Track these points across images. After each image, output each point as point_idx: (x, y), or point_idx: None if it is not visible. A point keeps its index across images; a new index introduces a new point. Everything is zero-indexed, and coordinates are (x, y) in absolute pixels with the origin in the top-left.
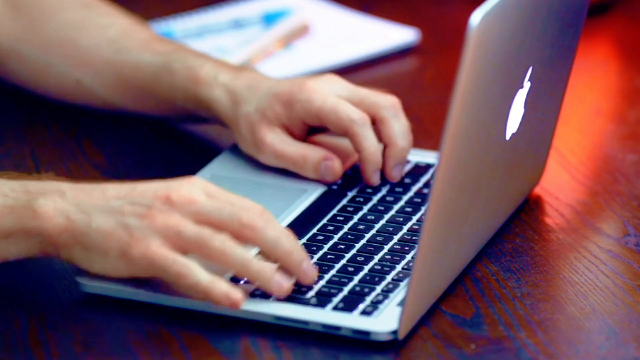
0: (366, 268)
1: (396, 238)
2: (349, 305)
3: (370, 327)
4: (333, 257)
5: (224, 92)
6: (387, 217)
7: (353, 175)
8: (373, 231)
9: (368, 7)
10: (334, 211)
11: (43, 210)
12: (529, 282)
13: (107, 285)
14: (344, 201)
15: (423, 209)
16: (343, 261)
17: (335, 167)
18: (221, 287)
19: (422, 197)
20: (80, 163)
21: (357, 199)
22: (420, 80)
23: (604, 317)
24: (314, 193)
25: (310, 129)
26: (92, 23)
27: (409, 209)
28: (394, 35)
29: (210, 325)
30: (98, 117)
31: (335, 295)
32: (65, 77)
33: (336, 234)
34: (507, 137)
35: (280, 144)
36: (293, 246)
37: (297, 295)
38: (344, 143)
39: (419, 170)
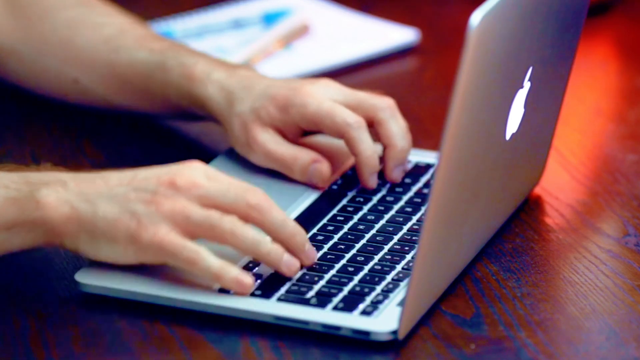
0: (366, 268)
1: (396, 238)
2: (349, 305)
3: (370, 327)
4: (333, 257)
5: (218, 89)
6: (387, 217)
7: (353, 176)
8: (373, 231)
9: (368, 7)
10: (334, 211)
11: (46, 201)
12: (529, 282)
13: (107, 285)
14: (344, 201)
15: (423, 209)
16: (343, 261)
17: (324, 170)
18: (232, 272)
19: (422, 197)
20: (81, 163)
21: (357, 199)
22: (420, 80)
23: (604, 317)
24: (314, 193)
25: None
26: (88, 22)
27: (409, 209)
28: (394, 35)
29: (210, 325)
30: (98, 118)
31: (335, 295)
32: (62, 76)
33: (336, 234)
34: (507, 137)
35: (272, 144)
36: (297, 228)
37: (297, 295)
38: (342, 144)
39: (419, 170)
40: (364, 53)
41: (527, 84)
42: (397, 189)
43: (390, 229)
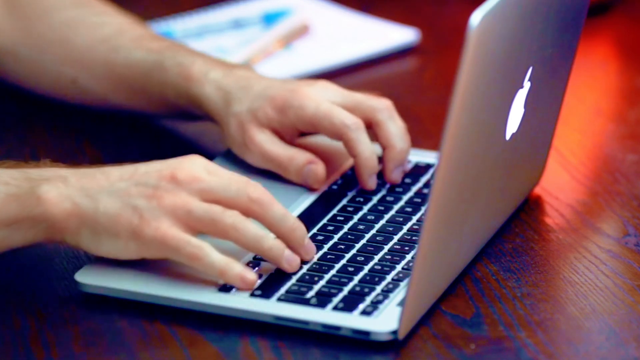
0: (366, 268)
1: (396, 238)
2: (349, 305)
3: (370, 327)
4: (333, 257)
5: (215, 89)
6: (387, 217)
7: (353, 176)
8: (373, 231)
9: (368, 7)
10: (334, 211)
11: (48, 197)
12: (529, 282)
13: (107, 285)
14: (344, 201)
15: (423, 209)
16: (343, 261)
17: (318, 171)
18: (235, 268)
19: (422, 197)
20: (81, 163)
21: (357, 199)
22: (420, 80)
23: (604, 317)
24: (313, 193)
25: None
26: (86, 22)
27: (409, 209)
28: (394, 35)
29: (210, 325)
30: (98, 117)
31: (335, 295)
32: (61, 76)
33: (336, 234)
34: (507, 137)
35: (268, 144)
36: (297, 223)
37: (297, 295)
38: (340, 146)
39: (419, 170)
40: (364, 53)
41: (527, 84)
42: (397, 189)
43: (390, 229)
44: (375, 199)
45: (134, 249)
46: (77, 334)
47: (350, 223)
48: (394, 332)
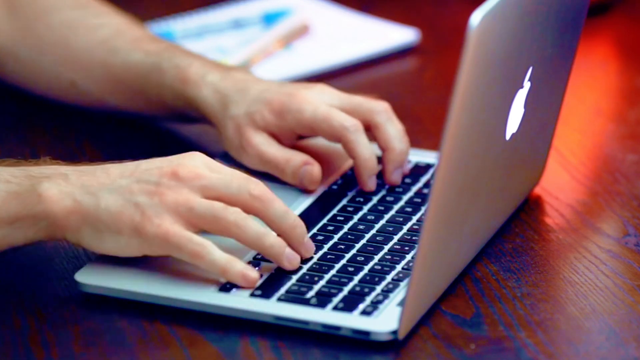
0: (366, 268)
1: (396, 238)
2: (349, 305)
3: (370, 327)
4: (333, 257)
5: (212, 92)
6: (387, 217)
7: (353, 176)
8: (373, 231)
9: (368, 7)
10: (334, 211)
11: (48, 194)
12: (529, 282)
13: (107, 285)
14: (344, 201)
15: (423, 209)
16: (343, 261)
17: (314, 172)
18: (237, 266)
19: (422, 197)
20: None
21: (357, 199)
22: (420, 80)
23: (604, 317)
24: (313, 193)
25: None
26: (84, 24)
27: (409, 209)
28: (394, 35)
29: (210, 325)
30: (98, 118)
31: (335, 295)
32: (59, 77)
33: (336, 234)
34: (507, 137)
35: (265, 146)
36: (298, 220)
37: (297, 295)
38: (339, 147)
39: (419, 170)
40: (364, 53)
41: (527, 84)
42: (397, 189)
43: (390, 229)
44: (375, 199)
45: (135, 246)
46: (77, 334)
47: (350, 223)
48: (394, 332)
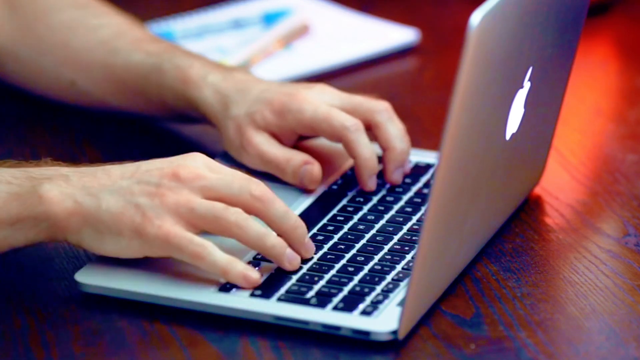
0: (366, 268)
1: (396, 238)
2: (349, 305)
3: (370, 327)
4: (333, 257)
5: (213, 92)
6: (387, 217)
7: (353, 176)
8: (373, 231)
9: (368, 7)
10: (334, 211)
11: (49, 195)
12: (529, 282)
13: (107, 285)
14: (344, 201)
15: (423, 209)
16: (343, 261)
17: (314, 171)
18: (238, 267)
19: (422, 197)
20: (81, 163)
21: (357, 199)
22: (420, 80)
23: (604, 317)
24: (313, 193)
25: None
26: (84, 24)
27: (409, 209)
28: (394, 35)
29: (210, 325)
30: (98, 118)
31: (335, 295)
32: (60, 78)
33: (336, 234)
34: (507, 137)
35: (266, 145)
36: (299, 221)
37: (297, 295)
38: (339, 147)
39: (419, 170)
40: (364, 53)
41: (527, 84)
42: (397, 189)
43: (390, 229)
44: (375, 199)
45: (136, 247)
46: (77, 334)
47: (350, 223)
48: (394, 332)
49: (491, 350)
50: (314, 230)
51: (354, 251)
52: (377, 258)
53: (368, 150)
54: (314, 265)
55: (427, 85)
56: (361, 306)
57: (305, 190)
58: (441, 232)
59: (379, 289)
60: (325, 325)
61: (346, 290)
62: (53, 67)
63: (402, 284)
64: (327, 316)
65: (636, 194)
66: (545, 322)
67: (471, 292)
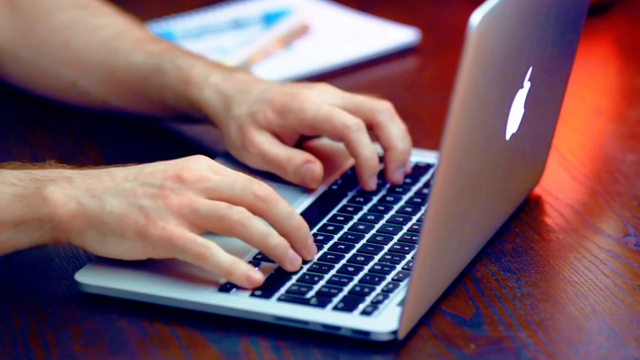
0: (366, 268)
1: (396, 238)
2: (349, 305)
3: (370, 327)
4: (333, 257)
5: (215, 93)
6: (387, 217)
7: (353, 175)
8: (373, 231)
9: (368, 7)
10: (334, 211)
11: (53, 197)
12: (529, 282)
13: (107, 285)
14: (344, 201)
15: (423, 209)
16: (343, 261)
17: (316, 170)
18: (242, 268)
19: (422, 197)
20: (81, 163)
21: (357, 199)
22: (420, 80)
23: (604, 317)
24: (313, 193)
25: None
26: (85, 24)
27: (409, 209)
28: (394, 35)
29: (210, 325)
30: (98, 118)
31: (335, 295)
32: (60, 78)
33: (336, 234)
34: (507, 137)
35: (267, 145)
36: (302, 222)
37: (297, 295)
38: (341, 146)
39: (419, 170)
40: (364, 53)
41: (527, 84)
42: (397, 189)
43: (390, 229)
44: (375, 199)
45: (140, 249)
46: (77, 334)
47: (350, 223)
48: (394, 332)
49: (491, 350)
50: (314, 230)
51: (354, 251)
52: (377, 258)
53: (369, 150)
54: (314, 265)
55: (427, 85)
56: (361, 306)
57: (306, 190)
58: (441, 232)
59: (379, 289)
60: (325, 325)
61: (346, 290)
62: (53, 68)
63: (402, 284)
64: (327, 316)
65: (636, 194)
66: (545, 322)
67: (471, 292)
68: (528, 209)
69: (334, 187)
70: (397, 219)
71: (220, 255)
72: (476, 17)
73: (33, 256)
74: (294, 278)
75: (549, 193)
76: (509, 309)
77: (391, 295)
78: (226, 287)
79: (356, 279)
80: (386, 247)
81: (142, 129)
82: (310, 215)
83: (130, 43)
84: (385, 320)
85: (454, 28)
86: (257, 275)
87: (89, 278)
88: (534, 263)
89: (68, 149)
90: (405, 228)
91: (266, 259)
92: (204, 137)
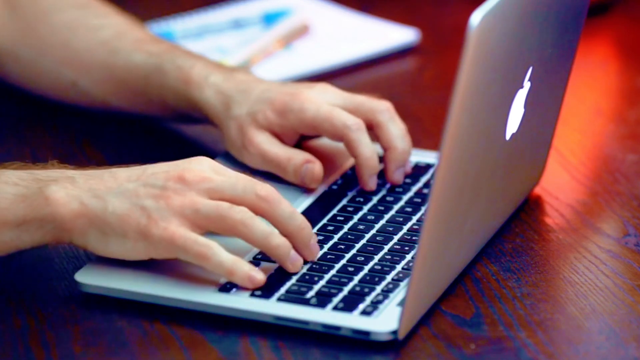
0: (366, 268)
1: (396, 238)
2: (349, 305)
3: (370, 327)
4: (333, 257)
5: (215, 93)
6: (387, 217)
7: (353, 175)
8: (373, 231)
9: (368, 7)
10: (334, 211)
11: (56, 197)
12: (529, 282)
13: (107, 285)
14: (344, 201)
15: (423, 209)
16: (343, 261)
17: (315, 170)
18: (244, 268)
19: (422, 197)
20: (81, 163)
21: (357, 199)
22: (420, 80)
23: (604, 317)
24: (313, 193)
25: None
26: (85, 24)
27: (409, 209)
28: (394, 35)
29: (210, 325)
30: (98, 118)
31: (335, 295)
32: (61, 78)
33: (336, 234)
34: (507, 137)
35: (267, 145)
36: (305, 222)
37: (297, 295)
38: (341, 146)
39: (419, 170)
40: (364, 53)
41: (527, 84)
42: (397, 189)
43: (390, 229)
44: (375, 199)
45: (142, 249)
46: (77, 334)
47: (350, 223)
48: (394, 332)
49: (491, 350)
50: (314, 230)
51: (354, 251)
52: (377, 258)
53: (369, 150)
54: (314, 265)
55: (427, 85)
56: (361, 306)
57: (306, 190)
58: (441, 232)
59: (379, 289)
60: (325, 325)
61: (346, 290)
62: (53, 67)
63: (402, 284)
64: (327, 316)
65: (636, 194)
66: (545, 322)
67: (471, 292)
68: (528, 209)
69: (334, 187)
70: (397, 219)
71: (222, 255)
72: (476, 17)
73: (33, 256)
74: (294, 278)
75: (549, 193)
76: (509, 309)
77: (391, 295)
78: (226, 287)
79: (356, 279)
80: (386, 247)
81: (142, 129)
82: (310, 215)
83: (130, 43)
84: (385, 320)
85: (454, 28)
86: (259, 276)
87: (89, 278)
88: (534, 263)
89: (68, 149)
90: (405, 228)
91: (266, 258)
92: (204, 137)
